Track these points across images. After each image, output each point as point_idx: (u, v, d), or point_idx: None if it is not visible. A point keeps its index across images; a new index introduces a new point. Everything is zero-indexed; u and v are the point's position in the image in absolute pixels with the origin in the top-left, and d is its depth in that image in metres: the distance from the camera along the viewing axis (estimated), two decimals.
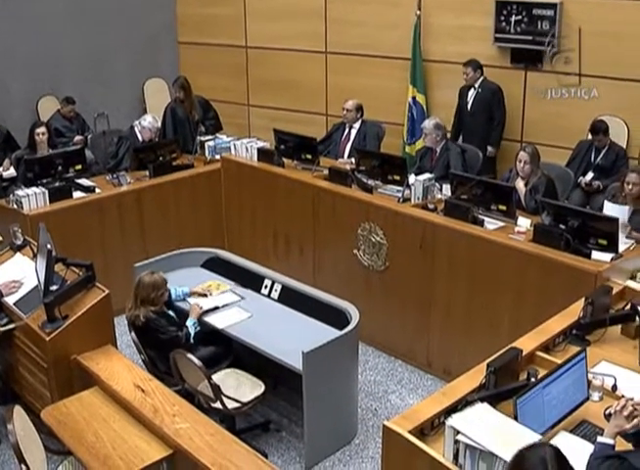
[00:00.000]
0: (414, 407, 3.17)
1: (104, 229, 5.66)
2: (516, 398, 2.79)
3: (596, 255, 4.21)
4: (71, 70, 8.03)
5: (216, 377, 4.04)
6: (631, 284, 4.09)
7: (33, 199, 5.37)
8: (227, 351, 4.47)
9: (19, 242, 4.71)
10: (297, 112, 8.12)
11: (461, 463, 2.68)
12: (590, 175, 5.99)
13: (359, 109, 6.49)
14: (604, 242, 4.18)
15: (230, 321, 4.47)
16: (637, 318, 3.57)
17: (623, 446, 2.65)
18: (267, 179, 5.93)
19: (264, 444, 4.38)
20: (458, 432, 2.66)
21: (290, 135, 5.98)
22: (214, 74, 8.57)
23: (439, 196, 5.22)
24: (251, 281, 4.89)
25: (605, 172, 5.96)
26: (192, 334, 4.33)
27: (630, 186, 4.72)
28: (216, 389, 3.87)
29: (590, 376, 3.17)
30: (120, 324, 4.61)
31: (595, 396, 3.18)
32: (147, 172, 6.05)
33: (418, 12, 7.03)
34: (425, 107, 7.18)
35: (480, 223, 4.74)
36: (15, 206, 5.37)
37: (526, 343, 3.47)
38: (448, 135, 6.17)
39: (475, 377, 3.13)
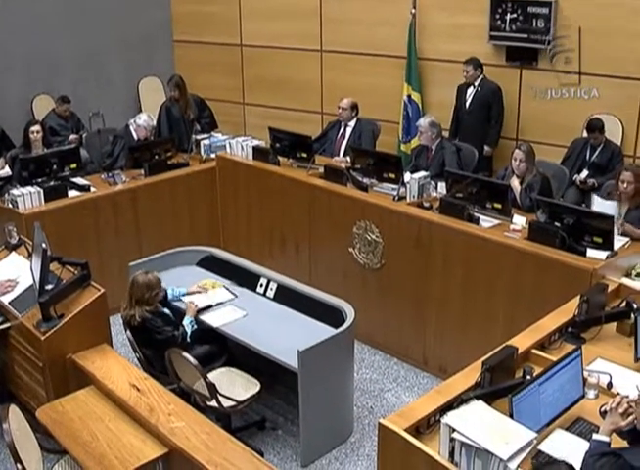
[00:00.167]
0: (410, 405, 3.18)
1: (99, 228, 5.66)
2: (511, 395, 2.79)
3: (591, 252, 4.21)
4: (66, 69, 8.00)
5: (212, 376, 4.03)
6: (626, 281, 4.10)
7: (28, 198, 5.35)
8: (222, 349, 4.47)
9: (14, 241, 4.71)
10: (292, 110, 8.11)
11: (457, 461, 2.68)
12: (585, 173, 5.98)
13: (354, 107, 6.49)
14: (599, 240, 4.18)
15: (225, 320, 4.47)
16: (632, 316, 3.57)
17: (619, 443, 2.66)
18: (263, 178, 5.93)
19: (260, 442, 4.38)
20: (454, 430, 2.66)
21: (285, 133, 5.97)
22: (209, 73, 8.56)
23: (435, 194, 5.22)
24: (247, 279, 4.88)
25: (600, 170, 5.96)
26: (189, 333, 4.33)
27: (625, 185, 4.71)
28: (212, 387, 3.86)
29: (586, 374, 3.17)
30: (116, 323, 4.61)
31: (590, 393, 3.19)
32: (142, 171, 6.04)
33: (413, 10, 7.03)
34: (420, 105, 7.18)
35: (476, 221, 4.74)
36: (10, 205, 5.36)
37: (522, 340, 3.48)
38: (444, 133, 6.17)
39: (470, 375, 3.13)
